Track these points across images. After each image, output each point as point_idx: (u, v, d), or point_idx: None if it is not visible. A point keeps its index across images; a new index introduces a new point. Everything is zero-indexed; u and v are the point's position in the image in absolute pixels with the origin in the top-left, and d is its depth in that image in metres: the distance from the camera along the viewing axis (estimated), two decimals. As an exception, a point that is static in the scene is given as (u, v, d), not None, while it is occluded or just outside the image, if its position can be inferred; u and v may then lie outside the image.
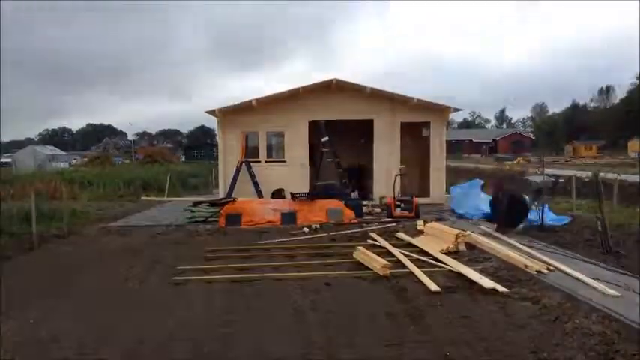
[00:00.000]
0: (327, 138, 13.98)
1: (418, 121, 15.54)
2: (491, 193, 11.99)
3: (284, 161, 15.40)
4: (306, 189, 14.32)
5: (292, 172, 15.04)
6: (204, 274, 7.19)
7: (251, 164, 14.74)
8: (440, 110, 15.21)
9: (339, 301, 5.87)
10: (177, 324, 5.20)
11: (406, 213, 12.12)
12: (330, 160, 14.01)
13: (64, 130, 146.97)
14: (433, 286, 6.21)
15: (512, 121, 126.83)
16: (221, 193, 14.89)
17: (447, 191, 15.25)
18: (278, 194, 14.14)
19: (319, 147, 14.43)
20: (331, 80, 14.88)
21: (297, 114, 15.10)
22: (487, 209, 11.58)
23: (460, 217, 12.08)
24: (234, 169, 14.62)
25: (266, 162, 15.29)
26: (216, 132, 17.40)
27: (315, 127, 14.29)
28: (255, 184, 14.23)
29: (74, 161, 61.87)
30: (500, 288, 6.11)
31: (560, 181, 13.99)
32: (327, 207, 12.09)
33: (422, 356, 4.35)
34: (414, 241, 9.22)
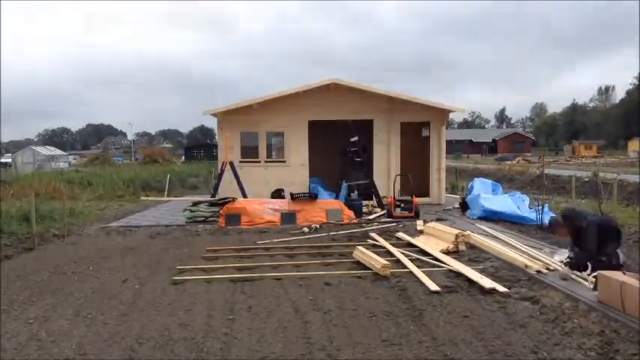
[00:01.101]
0: (356, 138, 13.78)
1: (418, 121, 15.56)
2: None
3: (284, 161, 15.42)
4: (305, 189, 14.33)
5: (292, 172, 15.05)
6: (204, 274, 7.19)
7: (239, 165, 14.62)
8: (440, 110, 15.22)
9: (339, 301, 5.87)
10: (177, 324, 5.20)
11: (406, 213, 12.14)
12: (359, 159, 13.91)
13: (64, 130, 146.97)
14: (433, 286, 6.22)
15: (512, 121, 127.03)
16: (220, 193, 14.87)
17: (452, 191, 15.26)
18: (278, 194, 14.14)
19: (347, 147, 14.17)
20: (331, 81, 14.91)
21: (297, 114, 15.12)
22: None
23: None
24: (220, 171, 14.53)
25: (266, 162, 15.30)
26: (215, 132, 17.41)
27: (346, 127, 13.96)
28: (240, 185, 14.07)
29: (74, 161, 61.94)
30: (500, 288, 6.12)
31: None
32: (327, 207, 12.11)
33: (422, 356, 4.35)
34: (414, 240, 9.23)
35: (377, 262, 7.10)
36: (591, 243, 6.30)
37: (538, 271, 6.72)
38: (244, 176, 14.31)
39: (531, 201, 12.82)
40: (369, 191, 14.08)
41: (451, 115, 17.53)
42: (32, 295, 6.33)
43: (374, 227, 11.06)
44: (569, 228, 6.69)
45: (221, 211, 11.85)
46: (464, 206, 13.35)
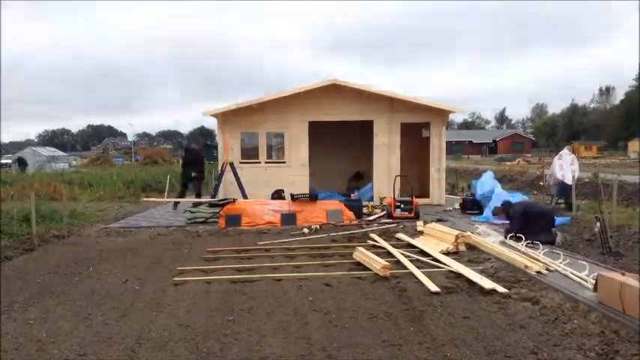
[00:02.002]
0: None
1: (418, 121, 15.57)
2: None
3: (284, 162, 15.42)
4: (306, 190, 14.34)
5: (292, 173, 15.06)
6: (204, 275, 7.19)
7: (240, 165, 14.63)
8: (440, 111, 15.23)
9: (338, 302, 5.87)
10: (176, 325, 5.20)
11: (406, 214, 12.13)
12: None
13: (64, 131, 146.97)
14: (433, 287, 6.21)
15: (512, 122, 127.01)
16: (220, 194, 14.89)
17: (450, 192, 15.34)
18: (278, 195, 14.14)
19: None
20: (331, 82, 14.92)
21: (297, 115, 15.13)
22: None
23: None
24: (220, 172, 14.52)
25: (266, 162, 15.31)
26: (216, 133, 17.43)
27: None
28: (240, 186, 14.05)
29: (74, 162, 61.94)
30: (500, 289, 6.12)
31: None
32: (327, 208, 12.10)
33: (422, 357, 4.35)
34: (414, 241, 9.22)
35: (377, 262, 7.10)
36: (514, 221, 9.29)
37: (538, 272, 6.72)
38: (244, 177, 14.33)
39: None
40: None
41: (451, 116, 17.56)
42: (32, 296, 6.33)
43: (374, 228, 11.06)
44: (505, 211, 9.89)
45: (221, 212, 11.85)
46: (464, 206, 13.37)
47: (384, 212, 12.87)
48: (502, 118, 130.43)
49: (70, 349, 4.63)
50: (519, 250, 7.97)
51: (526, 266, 6.90)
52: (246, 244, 9.56)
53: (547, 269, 6.85)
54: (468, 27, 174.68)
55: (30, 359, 4.46)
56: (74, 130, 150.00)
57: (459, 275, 6.86)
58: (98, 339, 4.86)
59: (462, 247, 8.49)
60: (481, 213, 12.83)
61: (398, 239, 9.68)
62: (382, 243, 9.11)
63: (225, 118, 15.15)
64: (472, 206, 13.17)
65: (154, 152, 56.59)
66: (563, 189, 13.57)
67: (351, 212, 12.25)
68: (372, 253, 7.82)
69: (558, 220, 11.20)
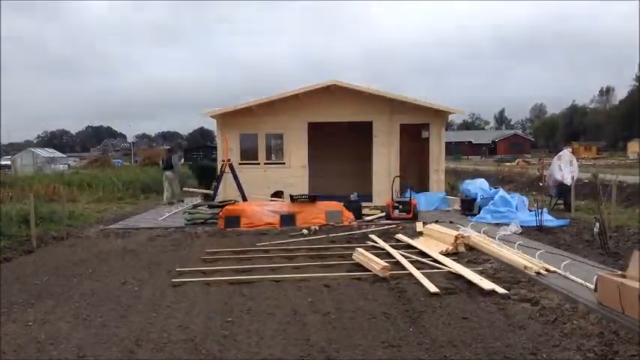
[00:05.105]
0: None
1: (417, 122, 15.58)
2: None
3: (283, 163, 15.43)
4: (305, 190, 14.34)
5: (292, 174, 15.07)
6: (203, 276, 7.19)
7: (239, 167, 14.60)
8: (439, 112, 15.24)
9: (338, 303, 5.87)
10: (175, 326, 5.20)
11: (404, 214, 12.13)
12: None
13: (63, 132, 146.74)
14: (432, 288, 6.21)
15: (512, 123, 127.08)
16: (219, 195, 14.89)
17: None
18: (277, 196, 14.14)
19: None
20: (330, 83, 14.93)
21: (297, 116, 15.14)
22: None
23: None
24: (219, 173, 14.48)
25: (265, 164, 15.32)
26: (215, 134, 17.43)
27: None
28: (239, 187, 14.02)
29: (73, 163, 61.87)
30: (500, 289, 6.11)
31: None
32: (327, 209, 12.09)
33: (421, 358, 4.35)
34: (414, 242, 9.22)
35: (376, 263, 7.10)
36: None
37: (537, 273, 6.72)
38: (243, 178, 14.32)
39: (531, 202, 12.83)
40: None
41: (451, 117, 17.56)
42: (31, 298, 6.32)
43: (373, 229, 11.05)
44: None
45: (220, 213, 11.84)
46: (464, 207, 13.36)
47: (384, 213, 12.86)
48: (501, 119, 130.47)
49: (69, 350, 4.63)
50: (519, 251, 7.96)
51: (525, 267, 6.89)
52: (245, 245, 9.55)
53: (546, 270, 6.84)
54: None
55: (29, 361, 4.46)
56: (73, 131, 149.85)
57: (458, 276, 6.85)
58: (97, 340, 4.85)
59: (462, 248, 8.48)
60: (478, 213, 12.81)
61: (397, 240, 9.67)
62: (381, 244, 9.10)
63: (225, 119, 15.17)
64: (471, 207, 13.16)
65: (153, 153, 56.51)
66: (562, 190, 13.58)
67: (351, 213, 12.25)
68: (372, 254, 7.81)
69: (557, 221, 11.22)
